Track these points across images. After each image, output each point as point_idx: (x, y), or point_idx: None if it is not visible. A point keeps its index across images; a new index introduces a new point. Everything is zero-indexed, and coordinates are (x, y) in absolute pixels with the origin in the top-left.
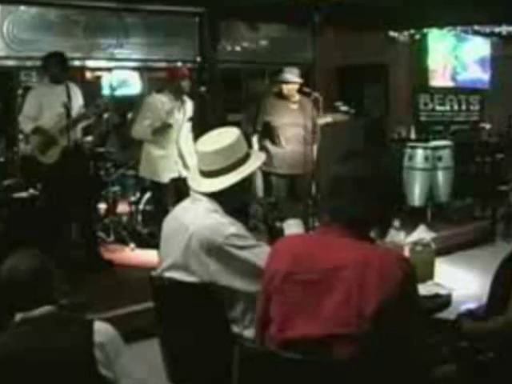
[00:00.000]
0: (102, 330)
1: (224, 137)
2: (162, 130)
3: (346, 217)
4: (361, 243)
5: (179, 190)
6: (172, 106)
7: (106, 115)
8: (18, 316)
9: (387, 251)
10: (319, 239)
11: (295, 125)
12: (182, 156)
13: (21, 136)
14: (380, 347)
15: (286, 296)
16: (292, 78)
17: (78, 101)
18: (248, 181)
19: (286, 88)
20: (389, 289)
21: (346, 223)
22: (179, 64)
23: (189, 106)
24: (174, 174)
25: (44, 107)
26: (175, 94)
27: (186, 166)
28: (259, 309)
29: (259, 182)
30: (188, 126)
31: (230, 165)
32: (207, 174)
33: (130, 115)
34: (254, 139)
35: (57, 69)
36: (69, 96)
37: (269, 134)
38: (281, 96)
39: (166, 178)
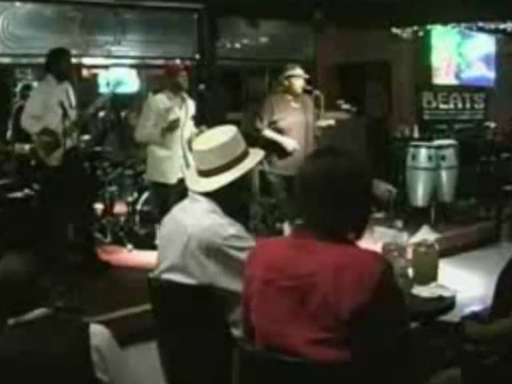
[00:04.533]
0: (98, 333)
1: (220, 135)
2: (171, 129)
3: (319, 220)
4: (336, 246)
5: (180, 190)
6: (172, 104)
7: (101, 114)
8: (12, 319)
9: (363, 252)
10: (294, 243)
11: (299, 124)
12: (185, 156)
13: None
14: (364, 349)
15: (264, 304)
16: (301, 72)
17: (73, 101)
18: (247, 180)
19: (296, 83)
20: (365, 290)
21: (320, 226)
22: (177, 61)
23: (190, 104)
24: (181, 174)
25: (48, 107)
26: (174, 92)
27: (188, 165)
28: (242, 314)
29: (256, 182)
30: (191, 124)
31: (227, 163)
32: (204, 174)
33: (123, 113)
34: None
35: (65, 66)
36: (67, 95)
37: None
38: (285, 95)
39: (173, 178)
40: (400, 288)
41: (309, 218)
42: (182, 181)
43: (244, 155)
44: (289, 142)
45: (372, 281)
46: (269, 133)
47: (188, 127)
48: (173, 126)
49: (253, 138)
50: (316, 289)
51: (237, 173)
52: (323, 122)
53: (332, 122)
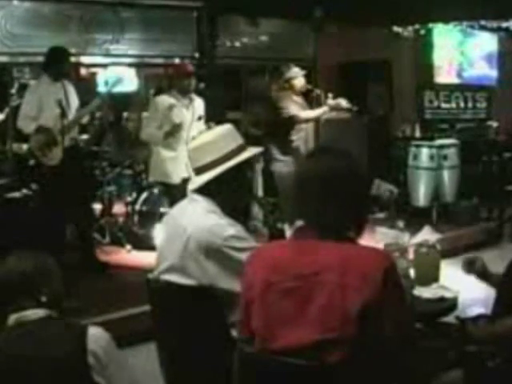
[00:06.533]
0: (96, 336)
1: (212, 132)
2: (174, 132)
3: (321, 219)
4: (339, 245)
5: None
6: (180, 105)
7: (98, 113)
8: (12, 318)
9: (366, 249)
10: (296, 244)
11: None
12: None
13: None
14: (369, 348)
15: (266, 307)
16: (298, 70)
17: (74, 100)
18: (247, 180)
19: (297, 84)
20: (371, 288)
21: (321, 225)
22: (177, 60)
23: (198, 104)
24: (185, 174)
25: (44, 106)
26: (182, 93)
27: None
28: (241, 316)
29: (259, 182)
30: (198, 125)
31: (217, 159)
32: (197, 171)
33: (125, 114)
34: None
35: (64, 65)
36: (66, 94)
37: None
38: (288, 92)
39: (176, 178)
40: (403, 285)
41: (310, 218)
42: (185, 180)
43: (238, 151)
44: (332, 103)
45: (376, 278)
46: (306, 114)
47: (195, 128)
48: (175, 130)
49: (253, 138)
50: (321, 287)
51: (225, 166)
52: (331, 102)
53: (326, 108)
